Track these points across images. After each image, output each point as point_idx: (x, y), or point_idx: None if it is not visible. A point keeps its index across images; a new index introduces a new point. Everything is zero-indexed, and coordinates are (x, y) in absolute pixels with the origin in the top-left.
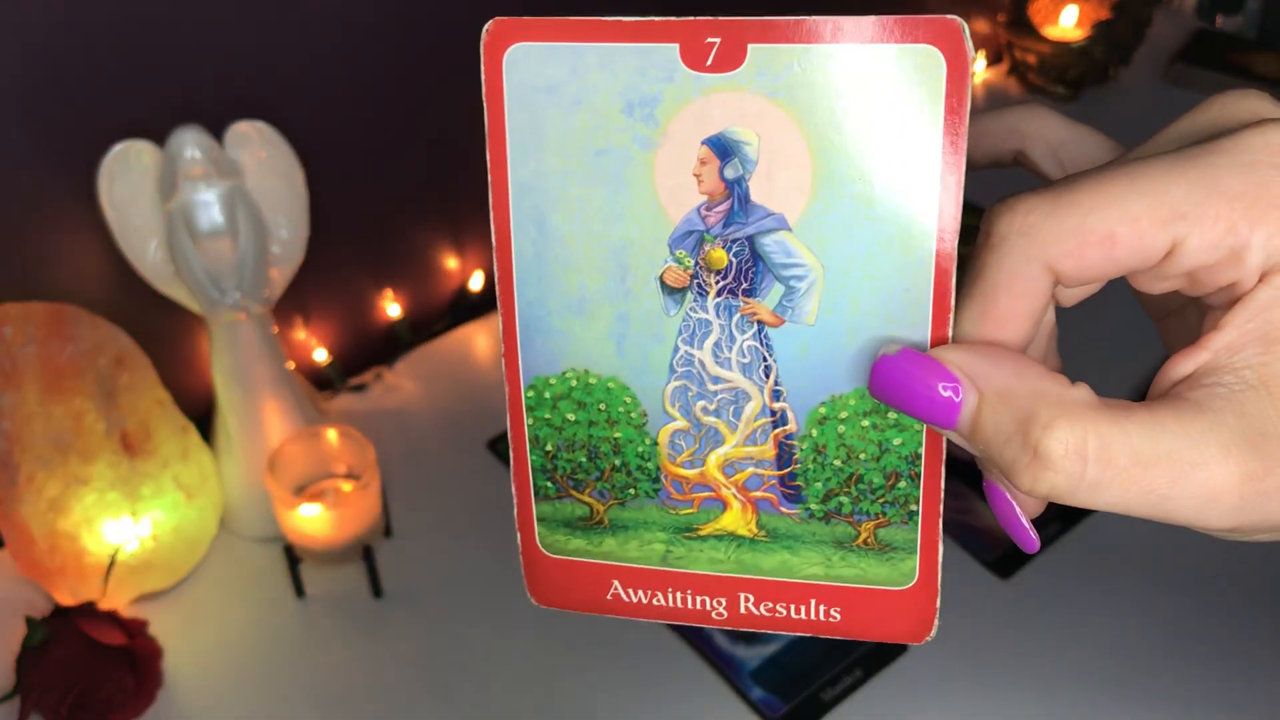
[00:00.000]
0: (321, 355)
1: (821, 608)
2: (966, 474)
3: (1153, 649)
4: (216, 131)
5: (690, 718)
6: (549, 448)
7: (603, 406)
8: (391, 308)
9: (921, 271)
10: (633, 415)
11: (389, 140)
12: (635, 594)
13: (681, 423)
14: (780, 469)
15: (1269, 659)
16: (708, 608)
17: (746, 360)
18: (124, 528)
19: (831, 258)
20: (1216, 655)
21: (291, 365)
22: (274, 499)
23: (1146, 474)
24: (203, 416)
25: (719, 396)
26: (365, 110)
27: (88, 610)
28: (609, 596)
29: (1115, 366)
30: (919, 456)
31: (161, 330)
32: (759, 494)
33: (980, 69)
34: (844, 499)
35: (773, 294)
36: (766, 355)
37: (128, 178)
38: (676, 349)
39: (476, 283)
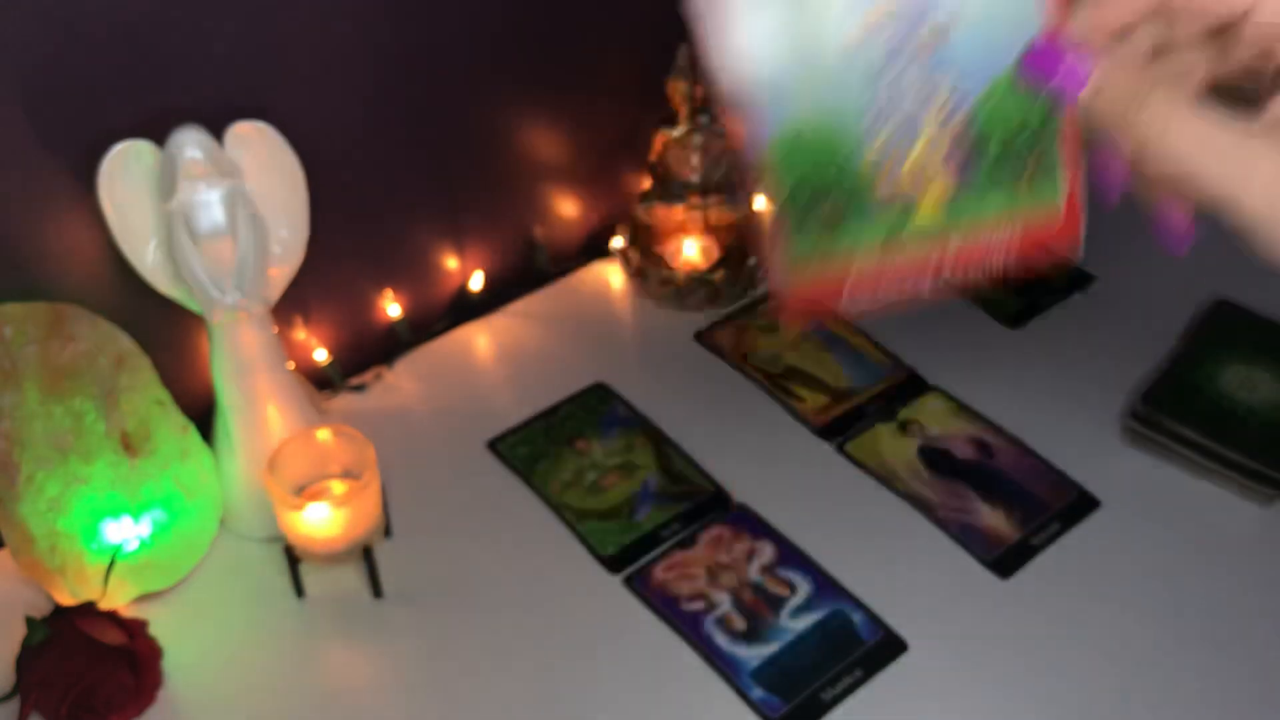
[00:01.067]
0: (321, 355)
1: (1007, 243)
2: (967, 475)
3: (1151, 648)
4: (216, 132)
5: (691, 717)
6: (786, 188)
7: (825, 141)
8: (391, 308)
9: None
10: (849, 139)
11: (389, 141)
12: (867, 285)
13: (884, 135)
14: (959, 148)
15: (1266, 657)
16: (924, 275)
17: (926, 63)
18: (124, 528)
19: None
20: (1213, 654)
21: (291, 365)
22: (274, 499)
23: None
24: (203, 417)
25: (909, 101)
26: (365, 111)
27: (88, 610)
28: (846, 295)
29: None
30: (1059, 120)
31: (161, 330)
32: (947, 172)
33: None
34: (1010, 160)
35: None
36: (942, 56)
37: (128, 178)
38: (872, 66)
39: (476, 283)
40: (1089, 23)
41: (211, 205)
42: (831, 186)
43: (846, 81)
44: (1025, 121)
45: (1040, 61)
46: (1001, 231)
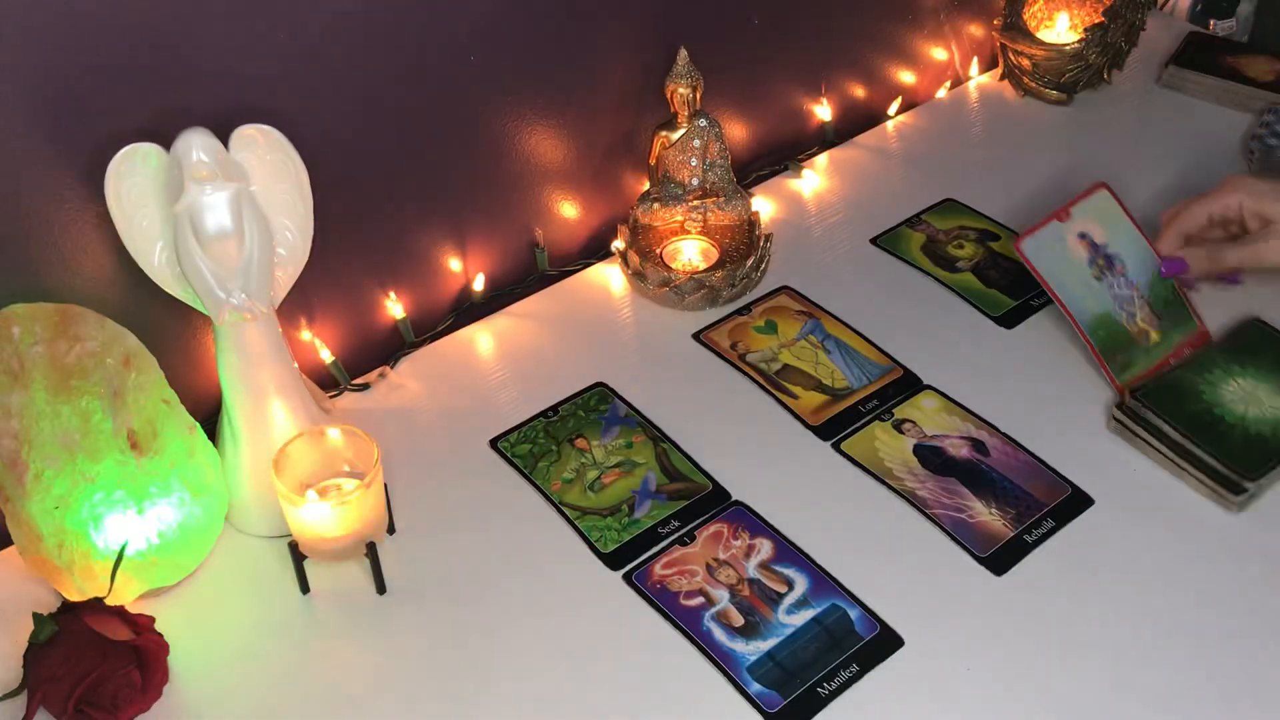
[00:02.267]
0: (326, 355)
1: (1182, 350)
2: (962, 472)
3: (1144, 644)
4: (222, 134)
5: (689, 712)
6: (1098, 338)
7: (1107, 312)
8: (395, 308)
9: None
10: (1113, 313)
11: (393, 144)
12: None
13: (1123, 312)
14: (1150, 312)
15: (1258, 653)
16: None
17: (1121, 280)
18: (130, 525)
19: None
20: (1206, 649)
21: (296, 365)
22: (279, 497)
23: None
24: (209, 415)
25: (1122, 297)
26: (369, 113)
27: (95, 606)
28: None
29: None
30: (1177, 293)
31: (168, 330)
32: (1152, 323)
33: (974, 74)
34: (1170, 313)
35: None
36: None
37: (135, 180)
38: (1105, 287)
39: (479, 284)
40: (1173, 244)
41: (217, 207)
42: (1113, 330)
43: (1101, 295)
44: (1166, 294)
45: (1167, 265)
46: (1181, 345)
